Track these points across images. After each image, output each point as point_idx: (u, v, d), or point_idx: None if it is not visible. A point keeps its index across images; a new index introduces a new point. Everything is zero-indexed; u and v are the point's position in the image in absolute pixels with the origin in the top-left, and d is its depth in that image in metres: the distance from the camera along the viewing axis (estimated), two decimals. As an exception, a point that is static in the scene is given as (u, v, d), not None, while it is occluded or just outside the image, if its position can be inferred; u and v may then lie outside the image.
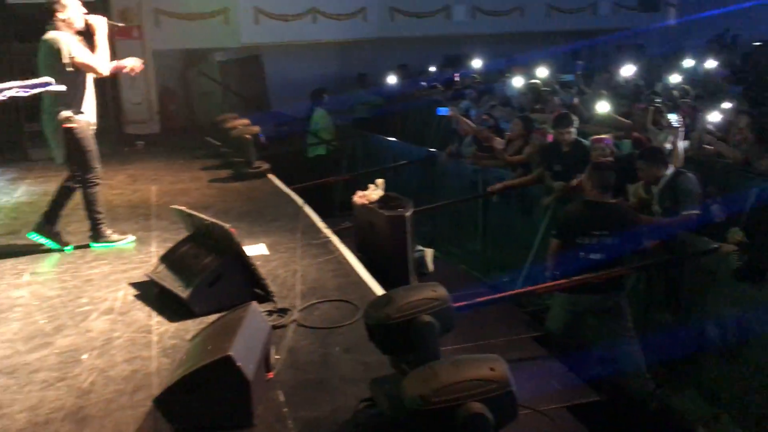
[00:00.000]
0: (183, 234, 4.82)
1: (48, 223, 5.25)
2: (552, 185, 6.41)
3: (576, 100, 9.35)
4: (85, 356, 3.48)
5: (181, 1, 10.66)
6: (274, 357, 3.32)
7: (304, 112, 11.28)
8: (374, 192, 5.39)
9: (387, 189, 5.39)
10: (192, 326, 3.78)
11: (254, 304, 3.32)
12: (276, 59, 12.40)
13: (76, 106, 4.97)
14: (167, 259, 4.38)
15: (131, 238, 5.38)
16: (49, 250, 5.21)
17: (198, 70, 11.59)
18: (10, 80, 8.46)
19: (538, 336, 5.46)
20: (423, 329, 2.62)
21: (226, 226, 4.02)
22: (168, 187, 7.40)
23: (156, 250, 5.15)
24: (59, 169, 8.24)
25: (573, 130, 6.57)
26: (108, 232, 5.28)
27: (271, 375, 3.18)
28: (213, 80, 11.10)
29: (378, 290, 4.27)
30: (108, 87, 9.81)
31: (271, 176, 7.72)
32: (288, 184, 7.39)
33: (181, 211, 4.57)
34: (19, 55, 9.38)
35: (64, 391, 3.15)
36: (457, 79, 12.64)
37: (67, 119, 4.93)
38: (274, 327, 3.61)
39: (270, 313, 3.86)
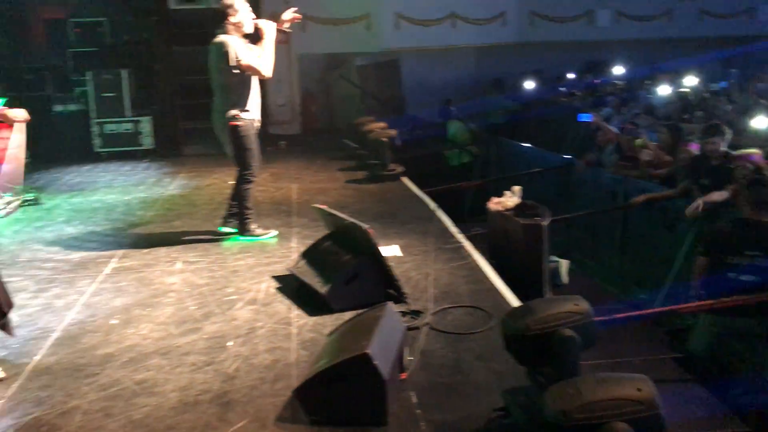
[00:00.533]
0: (322, 231, 5.00)
1: (230, 216, 5.61)
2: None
3: (728, 110, 8.80)
4: (230, 343, 3.68)
5: (326, 8, 11.03)
6: (408, 358, 3.37)
7: (438, 116, 11.35)
8: (510, 199, 5.34)
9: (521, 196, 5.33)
10: (329, 321, 3.90)
11: (390, 304, 3.39)
12: (413, 63, 12.56)
13: (243, 105, 5.26)
14: (308, 255, 4.56)
15: (274, 233, 5.63)
16: (201, 240, 5.56)
17: (338, 73, 11.95)
18: (173, 80, 9.11)
19: (678, 357, 5.19)
20: (563, 343, 2.56)
21: (365, 226, 4.12)
22: (308, 185, 7.69)
23: (296, 245, 5.37)
24: (210, 164, 8.88)
25: (724, 142, 6.18)
26: (253, 226, 5.56)
27: (404, 376, 3.23)
28: (352, 84, 11.40)
29: (511, 299, 4.22)
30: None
31: (404, 179, 7.83)
32: (421, 187, 7.47)
33: (322, 209, 4.73)
34: (179, 57, 10.09)
35: (211, 374, 3.35)
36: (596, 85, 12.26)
37: (234, 117, 5.24)
38: (408, 328, 3.66)
39: (403, 314, 3.91)
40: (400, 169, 7.96)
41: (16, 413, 3.03)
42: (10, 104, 7.16)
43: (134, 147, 9.79)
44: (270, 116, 10.99)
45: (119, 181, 8.22)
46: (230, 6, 5.16)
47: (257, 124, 5.45)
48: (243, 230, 5.55)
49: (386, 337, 3.05)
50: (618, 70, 13.05)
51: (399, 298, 4.13)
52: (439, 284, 4.48)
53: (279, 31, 5.36)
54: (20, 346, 3.71)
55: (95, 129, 9.72)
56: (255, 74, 5.23)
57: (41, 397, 3.16)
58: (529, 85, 12.39)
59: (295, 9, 5.43)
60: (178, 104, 10.21)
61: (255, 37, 5.33)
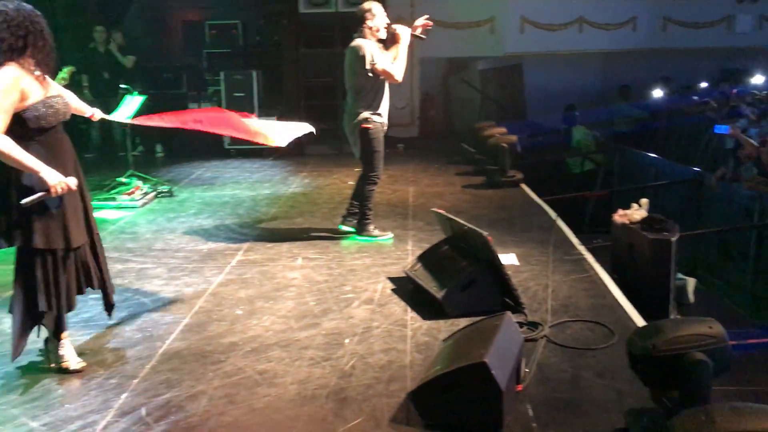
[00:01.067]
0: (437, 235, 5.01)
1: (350, 215, 5.75)
2: None
3: None
4: (347, 341, 3.76)
5: (449, 11, 11.02)
6: (524, 370, 3.31)
7: (559, 123, 11.08)
8: (637, 212, 5.13)
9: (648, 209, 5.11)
10: (443, 326, 3.90)
11: (509, 314, 3.34)
12: (536, 68, 12.32)
13: (374, 108, 5.38)
14: (424, 258, 4.58)
15: (390, 235, 5.70)
16: (321, 238, 5.72)
17: (459, 77, 11.91)
18: (299, 81, 9.38)
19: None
20: (695, 367, 2.44)
21: (484, 233, 4.09)
22: (424, 189, 7.72)
23: (412, 248, 5.41)
24: (330, 164, 9.10)
25: None
26: (371, 227, 5.65)
27: (520, 387, 3.18)
28: (473, 88, 11.34)
29: (635, 316, 4.05)
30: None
31: (524, 186, 7.70)
32: (540, 195, 7.32)
33: (440, 214, 4.73)
34: (305, 59, 10.42)
35: (328, 370, 3.43)
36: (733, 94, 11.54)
37: (365, 120, 5.36)
38: (525, 340, 3.60)
39: (521, 324, 3.84)
40: (519, 175, 7.83)
41: (148, 393, 3.23)
42: (149, 101, 7.62)
43: (260, 145, 10.16)
44: (389, 119, 11.13)
45: (246, 177, 8.57)
46: (368, 11, 5.28)
47: (385, 128, 5.53)
48: (361, 230, 5.65)
49: (504, 347, 3.02)
50: (758, 79, 12.23)
51: (516, 308, 4.07)
52: (558, 296, 4.38)
53: (413, 36, 5.42)
54: (153, 329, 3.96)
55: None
56: (388, 79, 5.32)
57: (171, 379, 3.35)
58: (658, 93, 11.85)
59: (427, 16, 5.48)
60: (303, 105, 10.53)
61: (387, 42, 5.43)
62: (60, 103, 3.27)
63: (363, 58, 5.23)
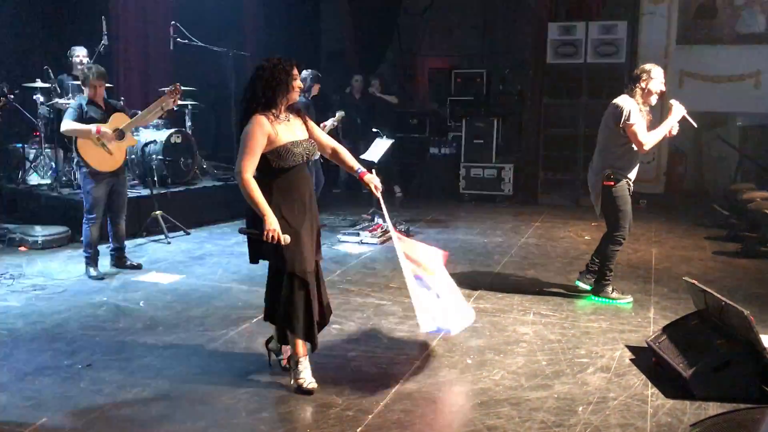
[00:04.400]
0: (684, 305, 4.65)
1: (589, 272, 5.60)
2: None
3: None
4: (580, 408, 3.59)
5: (710, 64, 10.35)
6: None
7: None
8: None
9: None
10: (689, 409, 3.58)
11: (773, 408, 2.97)
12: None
13: (621, 166, 5.20)
14: (670, 330, 4.25)
15: (630, 298, 5.39)
16: (554, 294, 5.57)
17: (714, 133, 11.04)
18: (539, 131, 9.37)
19: None
20: None
21: (745, 311, 3.70)
22: (668, 251, 7.21)
23: (653, 316, 5.06)
24: (565, 216, 8.89)
25: None
26: (610, 288, 5.39)
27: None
28: (730, 146, 10.44)
29: None
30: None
31: (788, 259, 6.88)
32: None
33: (693, 285, 4.37)
34: (547, 108, 10.37)
35: (559, 437, 3.30)
36: None
37: (608, 176, 5.21)
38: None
39: (783, 420, 3.39)
40: (782, 245, 7.02)
41: (381, 431, 3.33)
42: (396, 144, 8.04)
43: (495, 192, 10.27)
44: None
45: (478, 222, 8.66)
46: (647, 71, 5.13)
47: (632, 187, 5.29)
48: (599, 291, 5.42)
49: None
50: None
51: (778, 399, 3.61)
52: (830, 393, 3.81)
53: (684, 118, 5.19)
54: (388, 367, 4.10)
55: (462, 171, 10.44)
56: (636, 144, 5.11)
57: (403, 421, 3.43)
58: None
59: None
60: (542, 154, 10.45)
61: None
62: (301, 149, 3.68)
63: (620, 113, 5.08)
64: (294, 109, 3.80)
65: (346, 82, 10.88)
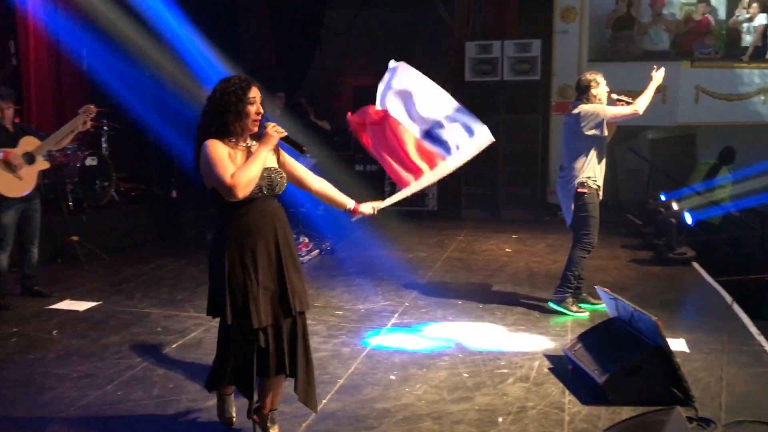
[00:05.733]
0: (600, 313, 4.78)
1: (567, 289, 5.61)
2: None
3: None
4: (500, 419, 3.65)
5: (621, 80, 10.77)
6: (695, 473, 3.04)
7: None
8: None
9: None
10: (604, 414, 3.70)
11: (678, 410, 3.10)
12: (710, 140, 11.63)
13: (591, 175, 5.37)
14: (586, 338, 4.38)
15: (586, 314, 5.48)
16: (478, 306, 5.66)
17: (627, 146, 11.51)
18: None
19: None
20: None
21: (653, 317, 3.86)
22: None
23: (571, 324, 5.22)
24: (487, 230, 9.06)
25: None
26: (570, 300, 5.51)
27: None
28: (641, 158, 10.91)
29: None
30: (538, 157, 10.42)
31: (696, 265, 7.21)
32: (715, 275, 6.81)
33: (605, 293, 4.53)
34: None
35: (480, 448, 3.35)
36: None
37: (582, 184, 5.35)
38: (696, 438, 3.32)
39: (690, 420, 3.54)
40: (691, 253, 7.36)
41: (303, 451, 3.31)
42: (320, 161, 8.04)
43: (420, 207, 10.39)
44: (549, 185, 10.95)
45: (403, 238, 8.71)
46: (592, 80, 5.37)
47: (600, 194, 5.45)
48: (559, 299, 5.53)
49: (673, 447, 2.80)
50: None
51: (685, 400, 3.78)
52: (733, 391, 4.01)
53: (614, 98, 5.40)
54: (311, 387, 4.07)
55: (387, 188, 10.49)
56: (628, 116, 5.25)
57: (325, 440, 3.42)
58: None
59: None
60: (463, 169, 10.61)
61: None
62: (260, 178, 3.11)
63: (589, 114, 5.27)
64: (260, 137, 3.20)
65: (268, 99, 10.81)
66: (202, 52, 10.33)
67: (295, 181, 3.44)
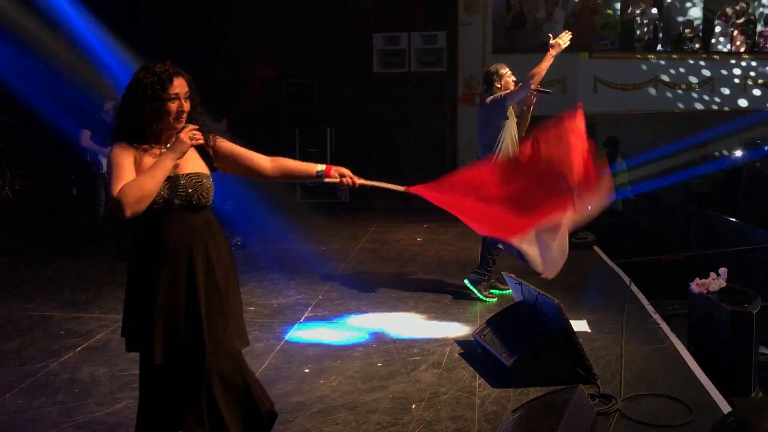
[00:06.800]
0: (509, 299, 4.94)
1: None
2: None
3: None
4: (413, 406, 3.73)
5: (524, 70, 11.09)
6: (597, 446, 3.21)
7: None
8: (715, 281, 4.95)
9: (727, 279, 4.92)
10: (513, 395, 3.83)
11: (581, 388, 3.26)
12: (609, 127, 12.19)
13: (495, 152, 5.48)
14: (494, 323, 4.52)
15: (495, 299, 5.66)
16: (390, 295, 5.73)
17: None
18: (370, 139, 9.53)
19: None
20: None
21: (556, 300, 4.03)
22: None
23: (479, 310, 5.37)
24: (399, 220, 9.16)
25: None
26: (484, 284, 5.67)
27: (592, 465, 3.07)
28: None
29: (714, 394, 3.87)
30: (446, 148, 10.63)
31: (596, 248, 7.55)
32: (614, 258, 7.16)
33: (511, 277, 4.69)
34: (379, 116, 10.67)
35: (394, 436, 3.41)
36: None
37: None
38: (597, 413, 3.48)
39: (593, 397, 3.72)
40: (591, 236, 7.69)
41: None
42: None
43: (332, 200, 10.39)
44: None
45: (316, 231, 8.70)
46: (495, 73, 5.55)
47: None
48: (475, 280, 5.68)
49: (575, 424, 2.94)
50: None
51: (588, 378, 3.96)
52: (632, 368, 4.23)
53: (535, 92, 5.50)
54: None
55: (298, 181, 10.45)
56: (518, 91, 5.35)
57: (240, 437, 3.38)
58: (738, 153, 11.53)
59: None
60: (374, 160, 10.72)
61: None
62: (165, 188, 2.60)
63: (491, 105, 5.43)
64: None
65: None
66: (101, 41, 9.92)
67: (246, 172, 2.92)
